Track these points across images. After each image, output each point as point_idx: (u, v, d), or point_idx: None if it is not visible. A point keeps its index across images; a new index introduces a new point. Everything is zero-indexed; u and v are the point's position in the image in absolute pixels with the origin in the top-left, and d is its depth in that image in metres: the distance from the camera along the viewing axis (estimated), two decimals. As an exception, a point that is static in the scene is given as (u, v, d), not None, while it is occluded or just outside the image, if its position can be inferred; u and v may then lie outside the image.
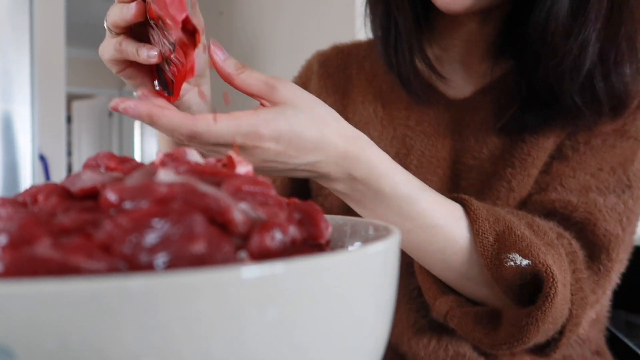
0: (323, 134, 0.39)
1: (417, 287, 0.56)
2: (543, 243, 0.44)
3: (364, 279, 0.19)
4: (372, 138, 0.60)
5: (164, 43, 0.41)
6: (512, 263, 0.42)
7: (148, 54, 0.41)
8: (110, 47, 0.43)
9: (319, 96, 0.65)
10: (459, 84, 0.61)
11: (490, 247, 0.43)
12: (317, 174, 0.42)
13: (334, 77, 0.67)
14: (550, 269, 0.41)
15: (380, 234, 0.26)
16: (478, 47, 0.59)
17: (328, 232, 0.24)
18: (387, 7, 0.58)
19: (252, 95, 0.40)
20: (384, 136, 0.61)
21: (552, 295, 0.41)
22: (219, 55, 0.39)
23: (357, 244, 0.28)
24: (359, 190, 0.43)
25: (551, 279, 0.41)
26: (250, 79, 0.39)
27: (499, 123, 0.55)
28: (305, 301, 0.16)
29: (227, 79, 0.39)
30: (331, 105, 0.64)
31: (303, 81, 0.70)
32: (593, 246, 0.49)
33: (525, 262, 0.42)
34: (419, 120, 0.60)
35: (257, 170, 0.40)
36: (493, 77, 0.59)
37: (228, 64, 0.39)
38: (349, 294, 0.18)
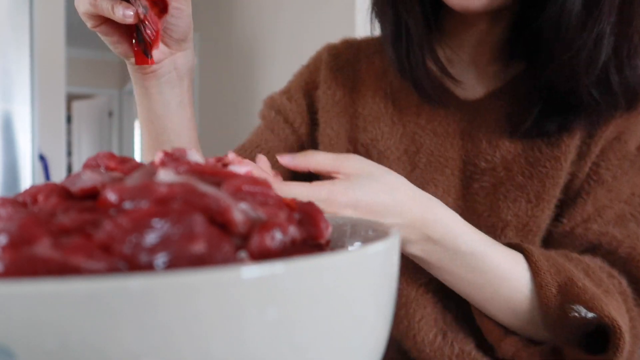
0: (397, 199, 0.42)
1: (424, 283, 0.57)
2: (602, 291, 0.46)
3: (364, 279, 0.19)
4: (382, 134, 0.61)
5: (139, 4, 0.41)
6: (576, 314, 0.44)
7: (124, 13, 0.41)
8: (85, 0, 0.42)
9: (328, 88, 0.65)
10: (470, 85, 0.61)
11: (554, 297, 0.45)
12: None
13: (344, 70, 0.66)
14: (615, 321, 0.43)
15: (380, 234, 0.26)
16: (488, 48, 0.59)
17: (328, 232, 0.24)
18: (396, 10, 0.58)
19: (326, 172, 0.43)
20: (394, 132, 0.61)
21: (621, 346, 0.43)
22: (287, 160, 0.43)
23: (357, 244, 0.28)
24: (435, 252, 0.45)
25: (618, 331, 0.43)
26: (321, 159, 0.42)
27: (518, 130, 0.55)
28: (305, 301, 0.16)
29: (301, 169, 0.43)
30: (340, 99, 0.64)
31: (311, 70, 0.69)
32: (637, 281, 0.51)
33: (590, 314, 0.44)
34: (429, 119, 0.60)
35: None
36: (505, 80, 0.59)
37: (297, 160, 0.43)
38: (349, 294, 0.18)
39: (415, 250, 0.45)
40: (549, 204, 0.54)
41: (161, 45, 0.46)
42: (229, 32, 2.97)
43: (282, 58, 2.38)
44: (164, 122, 0.52)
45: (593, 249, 0.52)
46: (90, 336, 0.14)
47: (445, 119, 0.59)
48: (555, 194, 0.54)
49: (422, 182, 0.58)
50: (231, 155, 0.26)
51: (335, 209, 0.40)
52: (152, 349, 0.14)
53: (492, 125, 0.57)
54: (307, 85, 0.68)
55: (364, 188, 0.41)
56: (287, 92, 0.69)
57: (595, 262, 0.50)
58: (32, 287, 0.13)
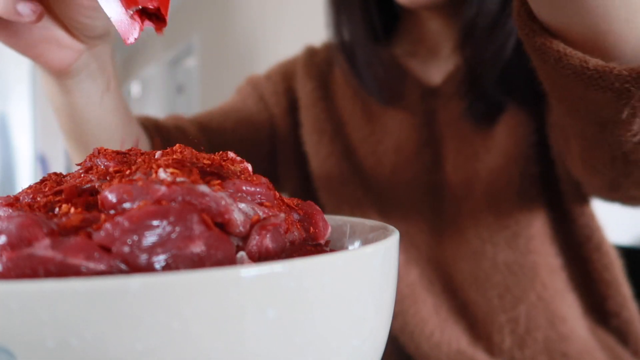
0: None
1: (414, 280, 0.57)
2: None
3: (364, 278, 0.19)
4: (355, 137, 0.62)
5: None
6: None
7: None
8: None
9: (302, 79, 0.67)
10: (437, 74, 0.63)
11: None
12: None
13: (320, 67, 0.69)
14: None
15: (379, 234, 0.26)
16: (450, 40, 0.61)
17: (327, 232, 0.24)
18: (339, 18, 0.62)
19: None
20: (366, 132, 0.62)
21: None
22: None
23: (357, 244, 0.28)
24: None
25: None
26: None
27: (466, 112, 0.58)
28: (305, 301, 0.16)
29: None
30: (310, 91, 0.66)
31: (290, 62, 0.71)
32: None
33: None
34: (396, 111, 0.62)
35: None
36: (458, 67, 0.61)
37: None
38: (348, 293, 0.18)
39: None
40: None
41: (76, 43, 0.38)
42: (229, 32, 2.97)
43: (283, 58, 2.38)
44: (86, 115, 0.45)
45: None
46: (90, 336, 0.14)
47: (411, 108, 0.62)
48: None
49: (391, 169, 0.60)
50: (231, 154, 0.26)
51: None
52: (152, 349, 0.14)
53: (453, 109, 0.59)
54: (286, 73, 0.71)
55: None
56: (267, 74, 0.71)
57: None
58: (32, 287, 0.13)
